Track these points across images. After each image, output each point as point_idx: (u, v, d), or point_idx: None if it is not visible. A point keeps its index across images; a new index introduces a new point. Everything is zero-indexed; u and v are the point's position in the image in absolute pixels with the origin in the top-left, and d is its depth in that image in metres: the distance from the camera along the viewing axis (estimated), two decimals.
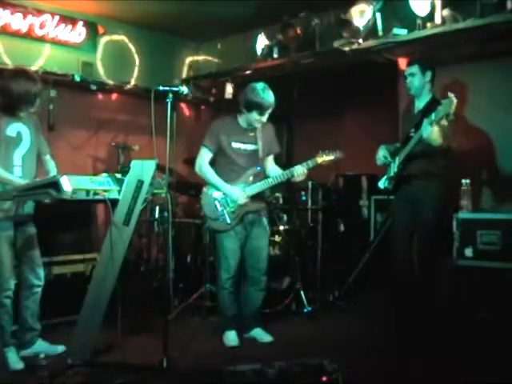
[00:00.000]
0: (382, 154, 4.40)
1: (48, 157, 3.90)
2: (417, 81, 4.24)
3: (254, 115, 4.06)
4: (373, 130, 5.79)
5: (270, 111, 4.08)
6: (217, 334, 4.22)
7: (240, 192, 4.08)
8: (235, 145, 4.13)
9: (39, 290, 3.79)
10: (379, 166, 4.46)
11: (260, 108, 4.02)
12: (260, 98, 3.99)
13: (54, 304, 4.21)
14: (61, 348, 3.79)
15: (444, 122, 3.87)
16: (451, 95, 3.77)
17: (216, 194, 4.14)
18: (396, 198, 4.44)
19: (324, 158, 4.07)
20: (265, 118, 4.11)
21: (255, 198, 4.14)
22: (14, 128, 3.65)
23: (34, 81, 3.64)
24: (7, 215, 3.58)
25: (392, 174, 4.31)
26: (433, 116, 3.86)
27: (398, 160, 4.26)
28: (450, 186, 4.23)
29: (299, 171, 4.03)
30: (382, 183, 4.43)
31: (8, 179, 3.53)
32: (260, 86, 4.04)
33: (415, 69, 4.23)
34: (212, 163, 4.20)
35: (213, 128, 4.20)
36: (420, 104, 4.31)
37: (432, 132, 3.90)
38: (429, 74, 4.24)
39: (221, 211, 4.10)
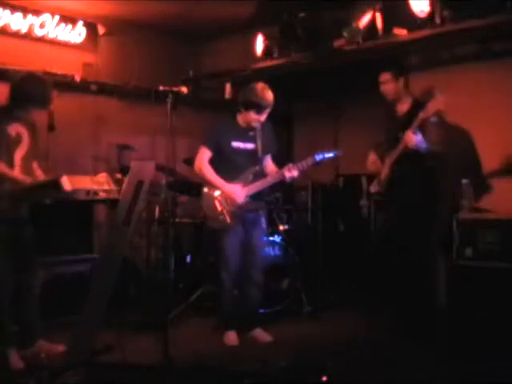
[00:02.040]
0: (373, 161, 4.41)
1: (35, 165, 3.85)
2: (391, 88, 4.26)
3: (252, 114, 4.05)
4: (372, 130, 5.77)
5: (267, 111, 4.08)
6: (217, 334, 4.22)
7: (239, 191, 4.09)
8: (235, 144, 4.13)
9: (37, 289, 3.80)
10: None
11: (257, 107, 4.01)
12: (258, 98, 3.99)
13: (54, 304, 4.22)
14: (61, 348, 3.80)
15: (434, 119, 3.87)
16: (436, 91, 3.78)
17: (216, 194, 4.14)
18: (390, 200, 4.43)
19: (323, 157, 4.08)
20: (262, 118, 4.10)
21: (254, 197, 4.15)
22: (14, 128, 3.66)
23: (50, 86, 3.69)
24: (4, 215, 3.57)
25: (383, 177, 4.32)
26: (422, 114, 3.87)
27: (387, 163, 4.26)
28: (442, 185, 4.22)
29: (289, 174, 4.04)
30: (374, 187, 4.44)
31: (11, 177, 3.53)
32: (259, 85, 4.04)
33: (388, 77, 4.25)
34: (211, 162, 4.21)
35: (212, 128, 4.21)
36: (403, 107, 4.30)
37: (417, 141, 3.92)
38: (402, 80, 4.25)
39: (220, 211, 4.11)
